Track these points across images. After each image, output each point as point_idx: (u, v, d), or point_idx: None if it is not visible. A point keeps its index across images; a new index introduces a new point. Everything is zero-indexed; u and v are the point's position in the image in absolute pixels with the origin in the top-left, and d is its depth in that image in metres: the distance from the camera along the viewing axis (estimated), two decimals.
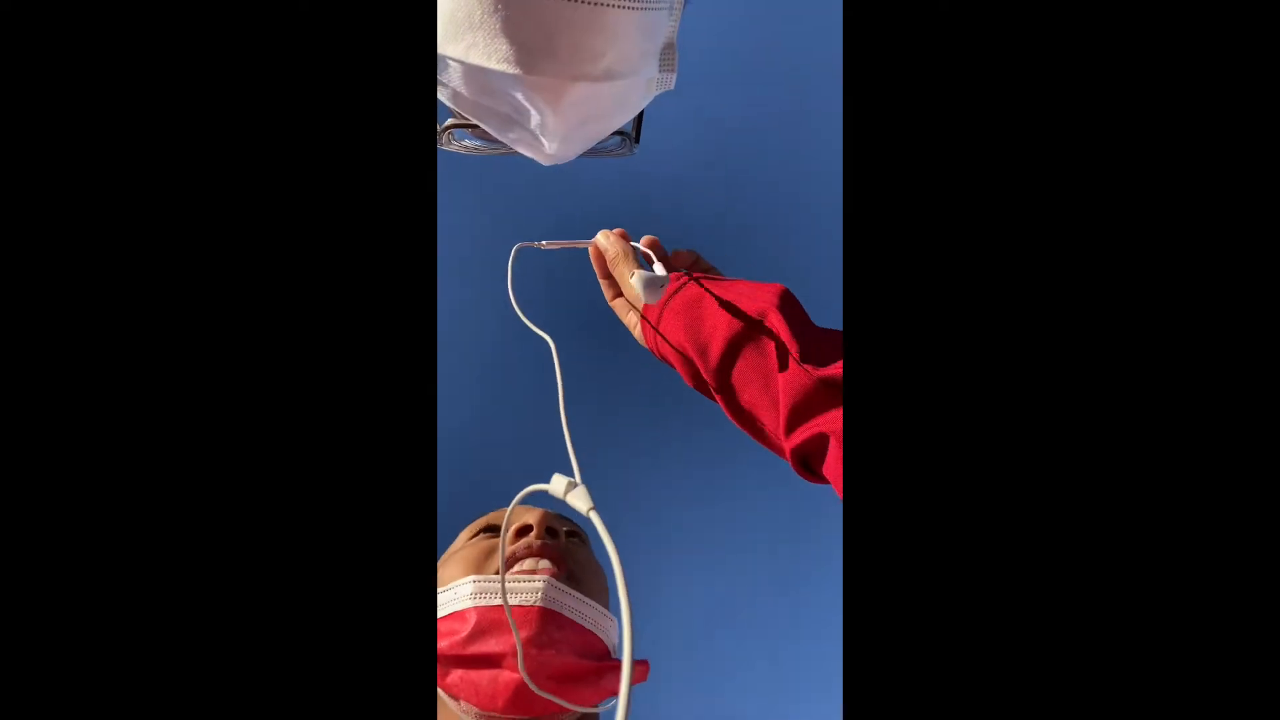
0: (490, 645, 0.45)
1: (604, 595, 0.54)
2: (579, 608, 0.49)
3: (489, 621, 0.46)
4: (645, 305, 0.51)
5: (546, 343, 0.49)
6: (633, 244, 0.56)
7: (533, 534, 0.52)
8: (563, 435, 0.42)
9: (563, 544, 0.54)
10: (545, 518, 0.54)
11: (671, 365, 0.50)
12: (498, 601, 0.47)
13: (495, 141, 0.46)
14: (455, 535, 0.60)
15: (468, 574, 0.50)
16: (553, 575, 0.49)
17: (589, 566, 0.54)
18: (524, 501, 0.41)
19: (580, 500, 0.37)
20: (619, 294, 0.56)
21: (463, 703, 0.46)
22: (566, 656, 0.46)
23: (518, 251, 0.55)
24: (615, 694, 0.49)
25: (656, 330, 0.49)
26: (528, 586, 0.47)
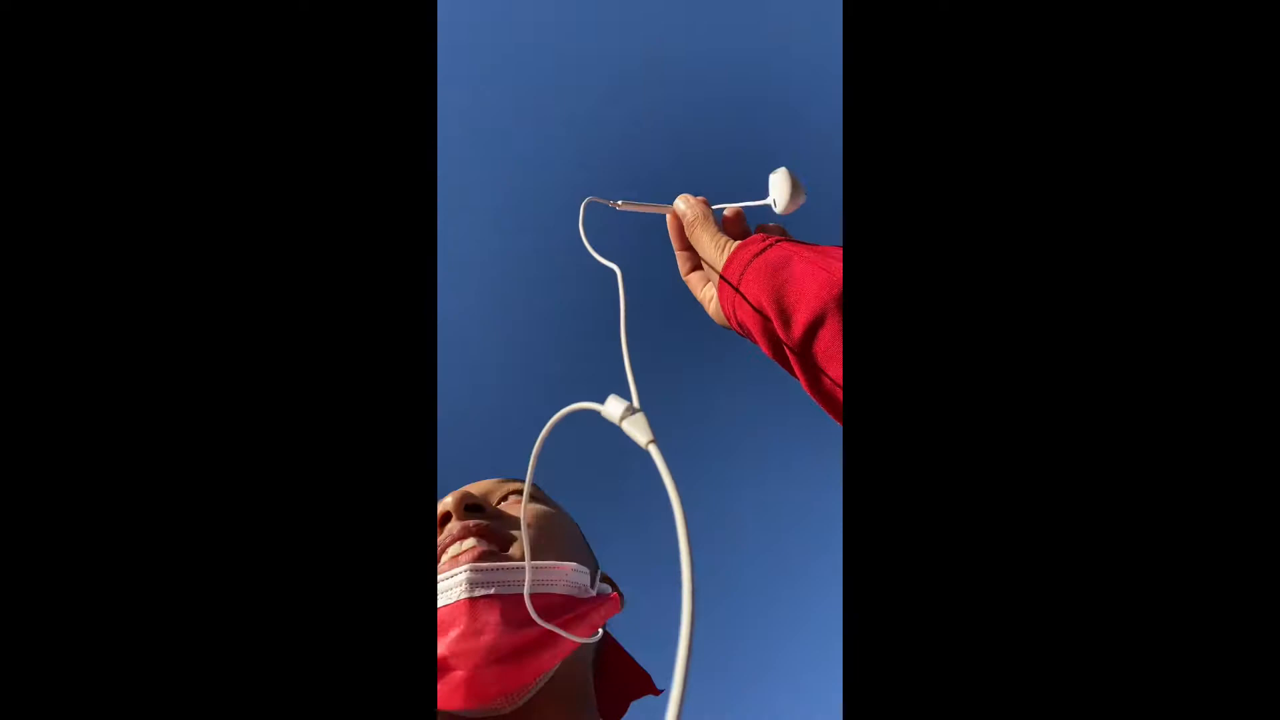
0: (443, 647, 0.44)
1: (556, 541, 0.52)
2: (508, 578, 0.47)
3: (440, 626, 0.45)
4: (726, 265, 0.46)
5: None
6: (715, 208, 0.51)
7: (451, 521, 0.51)
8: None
9: (489, 515, 0.52)
10: (461, 498, 0.52)
11: (750, 336, 0.46)
12: (440, 600, 0.46)
13: None
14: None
15: None
16: (475, 557, 0.47)
17: (536, 522, 0.52)
18: (564, 422, 0.37)
19: (639, 431, 0.33)
20: (695, 267, 0.52)
21: None
22: (501, 635, 0.44)
23: (587, 207, 0.51)
24: (587, 634, 0.48)
25: (736, 290, 0.45)
26: (448, 582, 0.46)
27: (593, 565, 0.57)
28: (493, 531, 0.50)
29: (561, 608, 0.48)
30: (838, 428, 0.42)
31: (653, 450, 0.31)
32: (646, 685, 0.57)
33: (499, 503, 0.55)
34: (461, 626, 0.44)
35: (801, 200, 0.48)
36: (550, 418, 0.37)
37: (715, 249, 0.48)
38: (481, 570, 0.47)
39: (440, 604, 0.46)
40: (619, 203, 0.52)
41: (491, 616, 0.45)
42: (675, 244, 0.53)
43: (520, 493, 0.56)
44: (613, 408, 0.34)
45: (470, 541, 0.49)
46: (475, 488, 0.56)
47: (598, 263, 0.49)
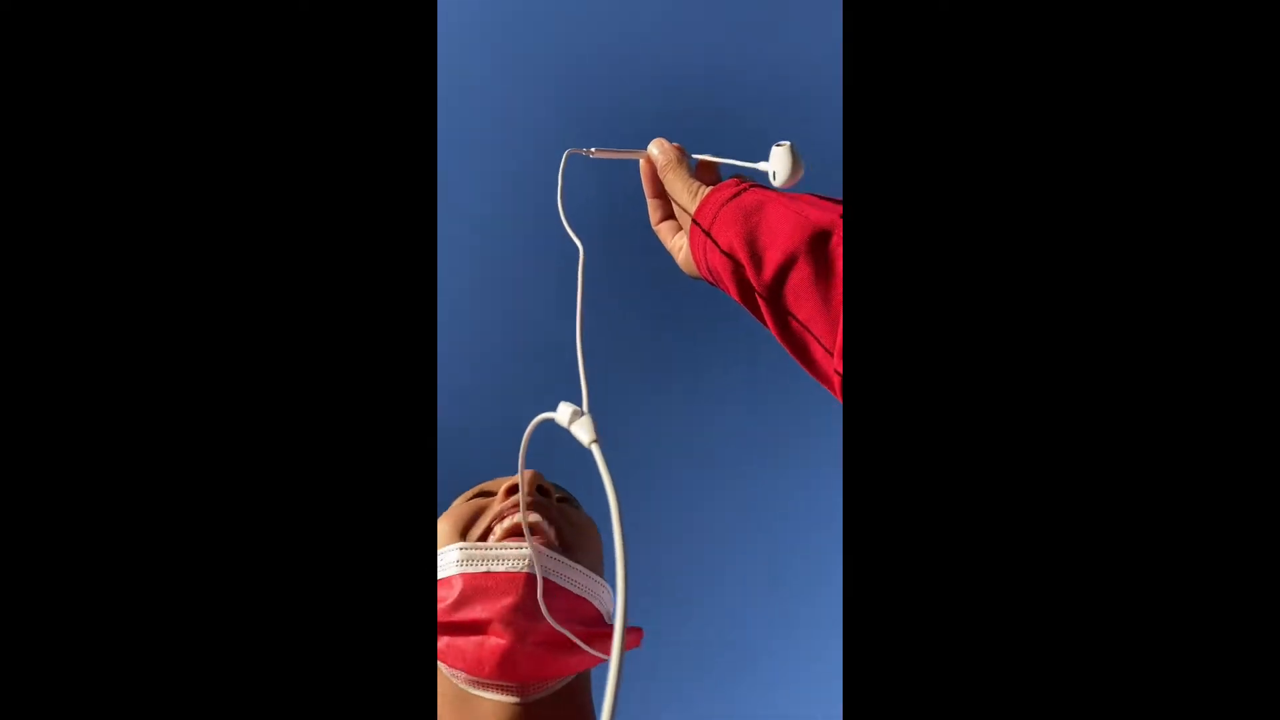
0: (476, 612, 0.45)
1: (598, 560, 0.53)
2: (567, 573, 0.48)
3: (474, 588, 0.46)
4: (699, 209, 0.46)
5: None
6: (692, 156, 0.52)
7: (517, 494, 0.50)
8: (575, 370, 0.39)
9: (554, 504, 0.53)
10: (535, 476, 0.53)
11: (719, 282, 0.46)
12: (484, 568, 0.46)
13: None
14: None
15: (456, 535, 0.50)
16: (542, 540, 0.48)
17: (583, 530, 0.53)
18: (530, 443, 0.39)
19: (583, 431, 0.35)
20: (667, 216, 0.52)
21: (446, 668, 0.47)
22: (556, 619, 0.45)
23: (569, 158, 0.51)
24: (607, 659, 0.49)
25: (707, 234, 0.45)
26: (514, 554, 0.47)
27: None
28: (555, 517, 0.50)
29: (596, 622, 0.49)
30: (832, 402, 0.43)
31: (594, 450, 0.33)
32: None
33: (557, 500, 0.56)
34: (515, 598, 0.45)
35: (800, 175, 0.48)
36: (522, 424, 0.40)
37: (688, 193, 0.48)
38: (546, 555, 0.47)
39: (486, 568, 0.46)
40: (593, 150, 0.52)
41: (548, 601, 0.45)
42: (647, 190, 0.52)
43: (566, 499, 0.57)
44: (562, 413, 0.36)
45: (534, 517, 0.49)
46: (530, 474, 0.57)
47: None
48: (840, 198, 0.43)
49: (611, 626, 0.50)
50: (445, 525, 0.52)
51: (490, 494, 0.55)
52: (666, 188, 0.50)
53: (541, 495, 0.52)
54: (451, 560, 0.48)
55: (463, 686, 0.46)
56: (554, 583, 0.47)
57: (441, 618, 0.46)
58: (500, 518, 0.50)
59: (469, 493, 0.57)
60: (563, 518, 0.52)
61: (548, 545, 0.48)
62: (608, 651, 0.47)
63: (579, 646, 0.46)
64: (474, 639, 0.45)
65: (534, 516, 0.49)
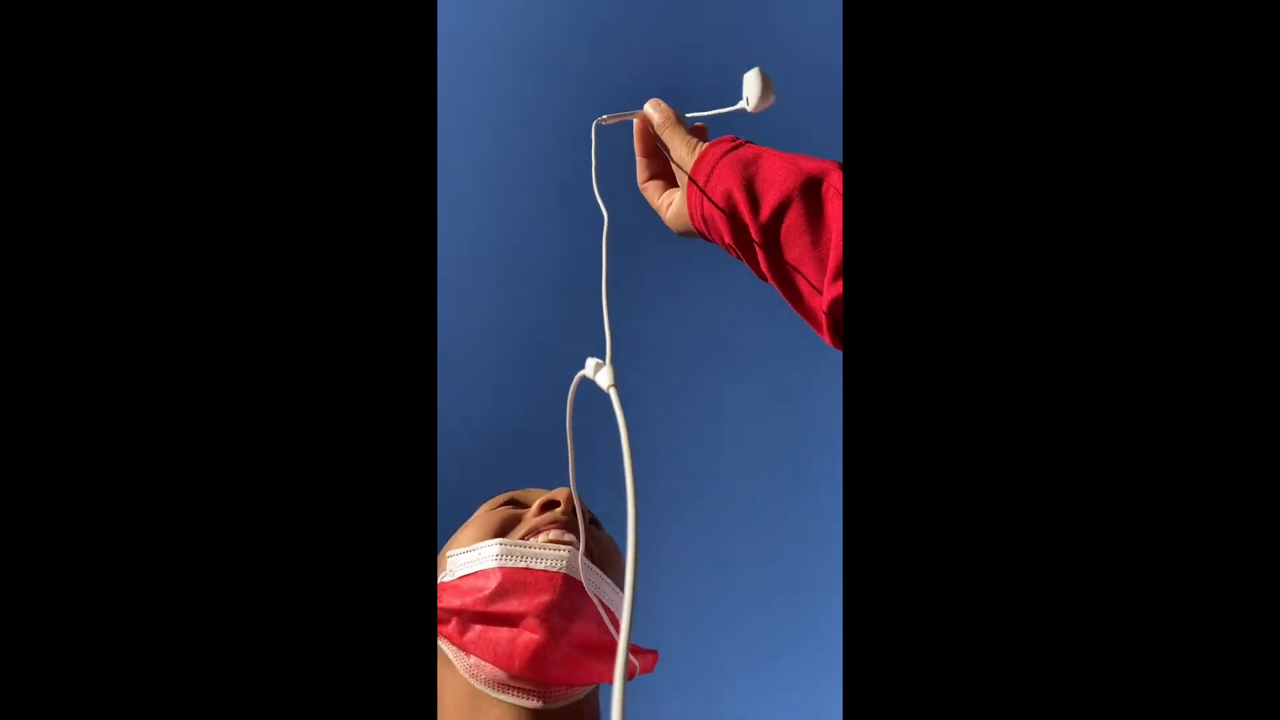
0: (513, 605, 0.45)
1: (620, 583, 0.53)
2: (600, 584, 0.49)
3: (513, 582, 0.46)
4: (696, 163, 0.49)
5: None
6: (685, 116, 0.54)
7: (559, 509, 0.52)
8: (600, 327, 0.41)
9: (586, 525, 0.53)
10: (570, 496, 0.53)
11: (711, 233, 0.49)
12: (524, 564, 0.47)
13: None
14: (450, 521, 0.59)
15: (499, 531, 0.51)
16: (579, 547, 0.49)
17: (608, 551, 0.54)
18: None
19: (603, 377, 0.37)
20: (652, 176, 0.55)
21: (472, 660, 0.47)
22: (589, 625, 0.46)
23: (596, 129, 0.54)
24: (632, 673, 0.49)
25: (703, 191, 0.48)
26: (554, 554, 0.47)
27: None
28: (588, 540, 0.51)
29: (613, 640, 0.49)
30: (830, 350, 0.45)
31: (612, 394, 0.36)
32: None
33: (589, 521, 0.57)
34: (554, 596, 0.45)
35: (772, 100, 0.51)
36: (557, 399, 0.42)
37: (686, 149, 0.51)
38: (589, 566, 0.48)
39: (527, 564, 0.46)
40: (604, 118, 0.55)
41: (586, 604, 0.46)
42: (639, 149, 0.55)
43: (595, 522, 0.58)
44: (589, 367, 0.39)
45: (570, 535, 0.50)
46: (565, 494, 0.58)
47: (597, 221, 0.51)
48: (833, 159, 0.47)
49: (638, 645, 0.52)
50: (472, 531, 0.52)
51: (520, 504, 0.56)
52: (666, 143, 0.53)
53: (574, 515, 0.53)
54: (490, 554, 0.48)
55: (479, 688, 0.46)
56: (587, 590, 0.47)
57: (477, 607, 0.46)
58: (536, 531, 0.50)
59: (497, 500, 0.57)
60: (592, 538, 0.53)
61: (587, 556, 0.49)
62: (637, 663, 0.48)
63: (607, 657, 0.46)
64: (507, 631, 0.45)
65: (569, 534, 0.50)
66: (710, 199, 0.48)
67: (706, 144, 0.50)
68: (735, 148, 0.48)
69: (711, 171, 0.48)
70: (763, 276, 0.47)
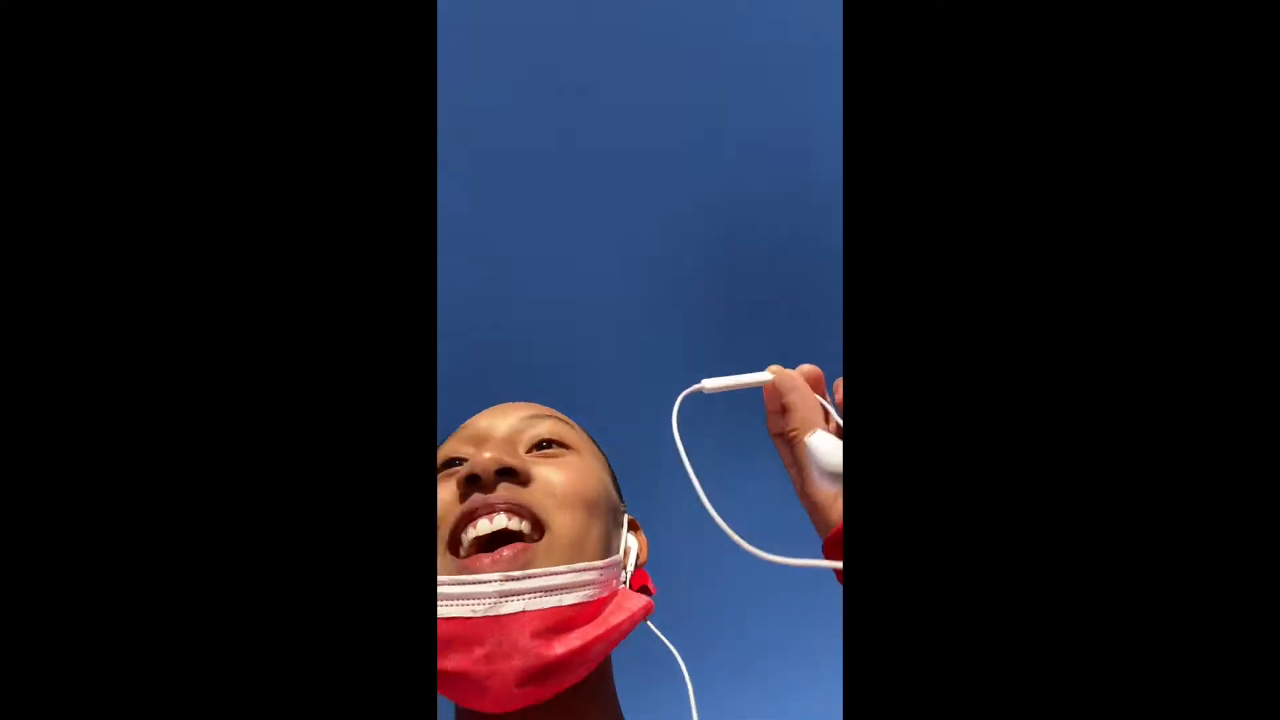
0: (455, 662, 0.42)
1: (594, 513, 0.49)
2: (543, 583, 0.44)
3: (449, 634, 0.43)
4: (830, 539, 0.45)
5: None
6: (819, 398, 0.50)
7: (479, 483, 0.47)
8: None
9: (522, 480, 0.48)
10: (491, 459, 0.47)
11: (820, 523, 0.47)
12: (453, 612, 0.43)
13: None
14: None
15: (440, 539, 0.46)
16: (510, 561, 0.44)
17: (567, 494, 0.48)
18: None
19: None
20: (782, 433, 0.50)
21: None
22: (530, 658, 0.42)
23: (684, 399, 0.51)
24: (611, 637, 0.46)
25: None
26: (478, 591, 0.43)
27: (619, 518, 0.54)
28: (524, 506, 0.47)
29: (596, 612, 0.46)
30: None
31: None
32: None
33: (529, 451, 0.52)
34: (488, 647, 0.42)
35: (828, 486, 0.48)
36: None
37: (830, 491, 0.47)
38: (514, 580, 0.43)
39: (455, 612, 0.43)
40: (706, 385, 0.51)
41: (522, 637, 0.42)
42: (768, 406, 0.52)
43: (553, 442, 0.52)
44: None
45: (501, 519, 0.46)
46: (499, 424, 0.52)
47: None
48: None
49: (622, 606, 0.47)
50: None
51: (452, 460, 0.51)
52: (791, 418, 0.49)
53: (507, 476, 0.47)
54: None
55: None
56: (528, 612, 0.43)
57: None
58: (466, 519, 0.46)
59: (442, 455, 0.52)
60: (536, 494, 0.48)
61: (518, 565, 0.44)
62: (611, 634, 0.45)
63: (576, 660, 0.43)
64: (464, 688, 0.42)
65: (499, 521, 0.46)
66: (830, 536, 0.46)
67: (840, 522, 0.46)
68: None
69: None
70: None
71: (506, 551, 0.45)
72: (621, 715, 0.51)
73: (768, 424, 0.52)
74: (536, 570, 0.44)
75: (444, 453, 0.53)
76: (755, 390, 0.52)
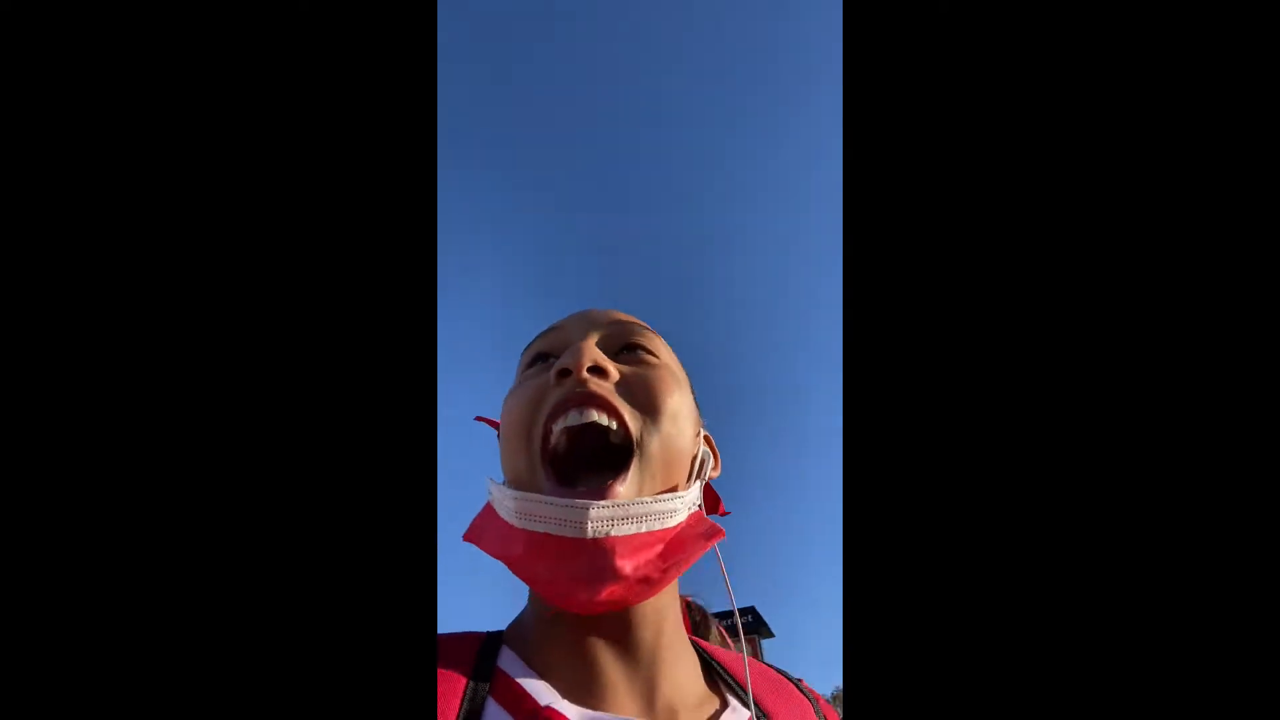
0: (538, 569, 0.44)
1: (678, 410, 0.50)
2: (632, 512, 0.45)
3: (536, 546, 0.44)
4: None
5: None
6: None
7: (572, 378, 0.47)
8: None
9: (612, 379, 0.49)
10: (586, 354, 0.47)
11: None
12: (541, 528, 0.44)
13: None
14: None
15: (524, 422, 0.48)
16: (603, 491, 0.45)
17: (657, 390, 0.49)
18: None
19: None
20: None
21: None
22: (616, 579, 0.43)
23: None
24: (688, 563, 0.46)
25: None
26: (570, 515, 0.43)
27: (698, 429, 0.54)
28: (614, 404, 0.47)
29: (677, 544, 0.46)
30: None
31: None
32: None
33: (620, 353, 0.52)
34: (580, 564, 0.43)
35: None
36: None
37: None
38: (606, 509, 0.44)
39: (544, 528, 0.44)
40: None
41: (612, 554, 0.43)
42: None
43: (640, 347, 0.52)
44: None
45: (591, 413, 0.46)
46: (589, 326, 0.53)
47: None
48: None
49: (697, 533, 0.48)
50: (515, 406, 0.49)
51: (546, 355, 0.52)
52: None
53: (598, 375, 0.48)
54: (510, 510, 0.46)
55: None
56: (615, 538, 0.44)
57: (511, 556, 0.45)
58: (559, 410, 0.47)
59: (528, 353, 0.54)
60: (625, 394, 0.48)
61: (607, 495, 0.45)
62: (693, 558, 0.46)
63: (652, 579, 0.44)
64: (549, 588, 0.44)
65: (589, 415, 0.46)
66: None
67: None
68: None
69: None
70: None
71: (610, 488, 0.45)
72: (684, 623, 0.52)
73: None
74: (625, 501, 0.45)
75: (532, 350, 0.54)
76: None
